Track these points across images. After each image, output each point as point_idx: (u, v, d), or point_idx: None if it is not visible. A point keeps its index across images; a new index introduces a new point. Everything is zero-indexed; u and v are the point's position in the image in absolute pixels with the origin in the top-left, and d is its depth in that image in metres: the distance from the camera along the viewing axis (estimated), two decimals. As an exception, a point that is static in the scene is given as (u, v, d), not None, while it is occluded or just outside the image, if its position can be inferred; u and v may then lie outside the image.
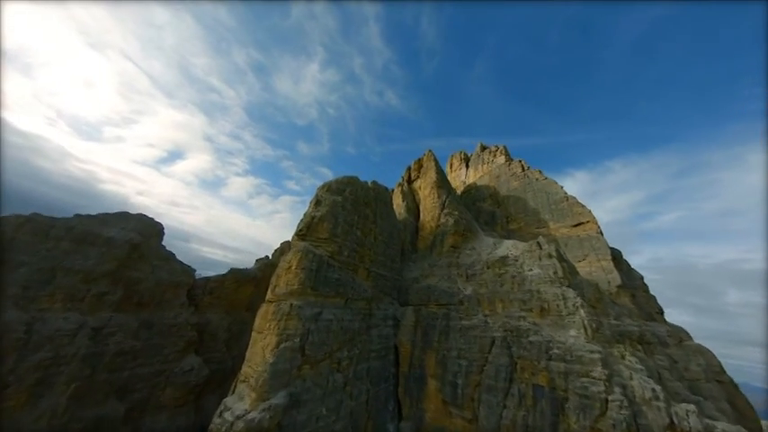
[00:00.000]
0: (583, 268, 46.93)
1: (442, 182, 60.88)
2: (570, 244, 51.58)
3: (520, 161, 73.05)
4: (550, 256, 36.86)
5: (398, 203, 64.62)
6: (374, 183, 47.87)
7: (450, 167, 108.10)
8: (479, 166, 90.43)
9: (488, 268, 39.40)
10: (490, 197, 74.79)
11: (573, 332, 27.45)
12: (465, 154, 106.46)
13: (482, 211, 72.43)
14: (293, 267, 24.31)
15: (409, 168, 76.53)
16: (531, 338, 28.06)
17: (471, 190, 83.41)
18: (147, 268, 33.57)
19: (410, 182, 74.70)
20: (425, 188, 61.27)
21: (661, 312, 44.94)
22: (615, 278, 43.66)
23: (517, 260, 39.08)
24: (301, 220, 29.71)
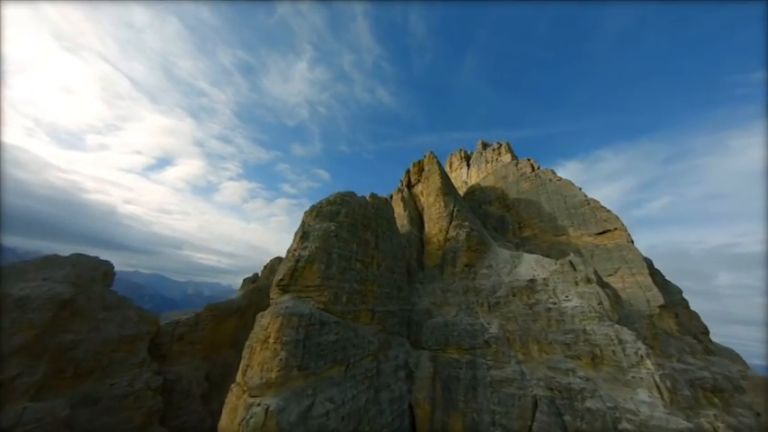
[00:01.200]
0: (615, 284, 41.02)
1: (448, 188, 54.20)
2: (597, 255, 45.67)
3: (528, 159, 66.78)
4: (589, 280, 30.68)
5: (399, 213, 57.77)
6: (373, 196, 40.86)
7: (450, 167, 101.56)
8: (482, 165, 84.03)
9: (514, 296, 33.04)
10: (498, 200, 68.54)
11: (643, 394, 21.25)
12: (465, 152, 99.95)
13: (489, 215, 66.21)
14: (271, 341, 17.41)
15: (408, 172, 69.53)
16: (587, 403, 21.78)
17: (475, 191, 77.05)
18: (86, 326, 26.05)
19: (410, 186, 67.81)
20: (429, 195, 54.49)
21: (706, 332, 39.51)
22: (656, 296, 37.90)
23: (547, 284, 32.80)
24: (283, 263, 22.71)
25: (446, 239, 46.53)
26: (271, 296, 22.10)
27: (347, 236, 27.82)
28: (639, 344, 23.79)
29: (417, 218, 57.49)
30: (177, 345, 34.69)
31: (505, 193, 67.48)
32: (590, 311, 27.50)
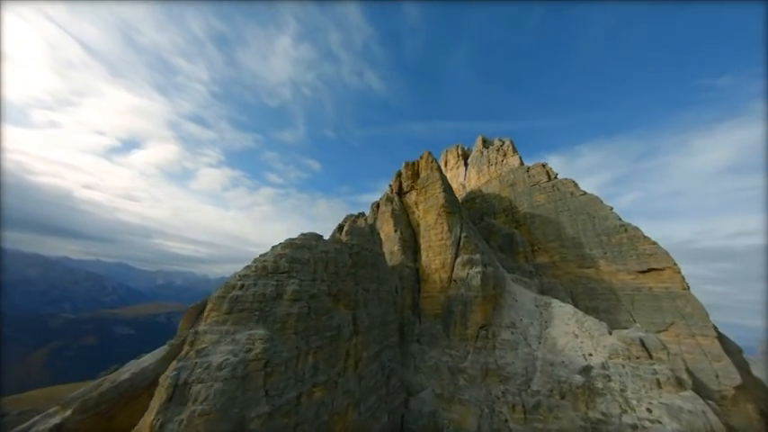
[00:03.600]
0: (668, 343, 31.43)
1: (453, 205, 42.04)
2: (639, 301, 35.89)
3: (543, 165, 55.60)
4: (681, 383, 20.21)
5: (388, 233, 45.21)
6: (354, 224, 28.01)
7: (446, 165, 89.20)
8: (484, 166, 72.32)
9: (562, 397, 22.05)
10: (505, 212, 57.59)
11: None
12: (463, 149, 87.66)
13: (495, 230, 55.27)
14: None
15: (399, 175, 56.42)
16: None
17: (476, 199, 65.74)
18: None
19: (401, 193, 55.01)
20: (428, 212, 42.17)
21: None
22: (729, 371, 28.47)
23: (609, 379, 22.13)
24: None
25: (451, 279, 34.88)
26: None
27: (313, 333, 15.10)
28: None
29: (411, 238, 45.29)
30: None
31: (514, 204, 56.47)
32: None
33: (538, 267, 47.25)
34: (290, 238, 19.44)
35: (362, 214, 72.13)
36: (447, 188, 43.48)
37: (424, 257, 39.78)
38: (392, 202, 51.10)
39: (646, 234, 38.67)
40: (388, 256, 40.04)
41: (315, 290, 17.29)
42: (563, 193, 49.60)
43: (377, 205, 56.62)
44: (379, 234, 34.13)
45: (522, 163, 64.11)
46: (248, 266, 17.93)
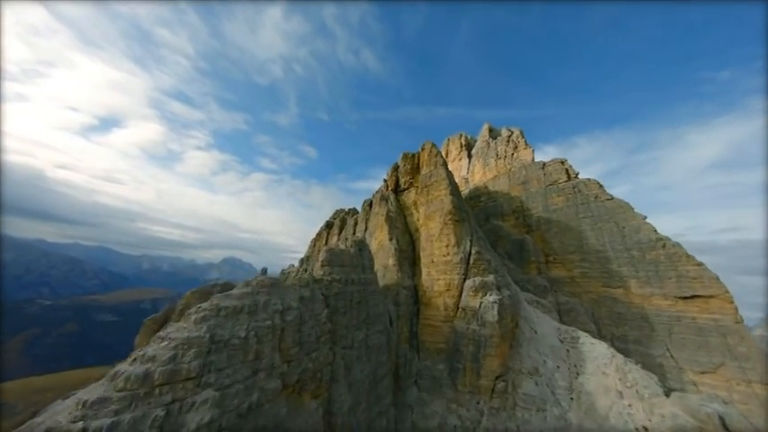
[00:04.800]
0: (715, 387, 26.04)
1: (462, 211, 34.82)
2: (679, 333, 30.17)
3: (562, 162, 48.47)
4: None
5: (381, 240, 38.05)
6: (332, 252, 21.12)
7: (447, 156, 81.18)
8: (491, 159, 64.73)
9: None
10: (514, 214, 50.85)
11: None
12: (466, 138, 79.46)
13: (502, 235, 48.78)
14: None
15: (396, 168, 48.62)
16: None
17: (481, 196, 58.70)
18: None
19: (398, 190, 47.48)
20: (431, 219, 34.96)
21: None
22: (798, 433, 23.14)
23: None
24: None
25: (458, 306, 28.26)
26: None
27: None
28: None
29: (409, 247, 38.27)
30: None
31: (526, 205, 49.69)
32: None
33: (553, 282, 41.20)
34: (221, 294, 12.04)
35: (354, 211, 64.60)
36: (454, 190, 36.15)
37: (424, 275, 32.92)
38: (387, 202, 43.60)
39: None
40: (380, 272, 33.09)
41: (254, 395, 10.26)
42: (585, 195, 42.85)
43: (369, 204, 49.08)
44: (369, 251, 26.90)
45: (534, 160, 56.79)
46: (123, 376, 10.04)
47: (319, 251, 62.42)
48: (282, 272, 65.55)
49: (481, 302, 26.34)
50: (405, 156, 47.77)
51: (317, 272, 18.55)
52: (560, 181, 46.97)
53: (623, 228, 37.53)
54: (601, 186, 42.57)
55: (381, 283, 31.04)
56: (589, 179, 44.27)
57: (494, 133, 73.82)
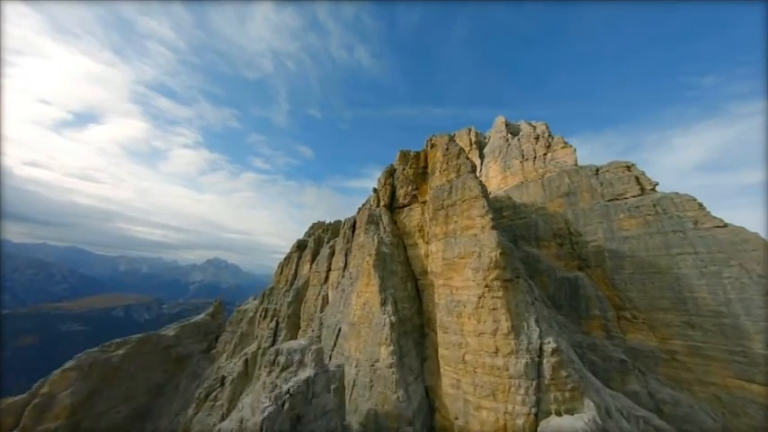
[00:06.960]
0: None
1: (514, 260, 19.13)
2: None
3: (628, 167, 33.86)
4: None
5: (366, 300, 22.32)
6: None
7: (452, 155, 66.09)
8: (515, 161, 49.62)
9: None
10: (557, 239, 36.06)
11: None
12: (477, 133, 64.22)
13: (540, 270, 33.69)
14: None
15: (392, 173, 32.89)
16: None
17: (503, 209, 43.56)
18: None
19: (394, 206, 31.83)
20: (457, 271, 19.43)
21: None
22: None
23: None
24: None
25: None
26: None
27: None
28: None
29: (416, 315, 22.83)
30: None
31: (572, 228, 34.88)
32: None
33: (629, 351, 26.49)
34: None
35: (336, 225, 48.92)
36: (496, 216, 20.67)
37: (446, 384, 17.33)
38: (378, 227, 27.90)
39: None
40: (362, 375, 17.51)
41: None
42: (677, 219, 28.21)
43: (352, 227, 33.17)
44: (341, 375, 11.33)
45: (575, 163, 41.86)
46: None
47: (287, 282, 45.98)
48: (237, 310, 48.73)
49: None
50: (404, 155, 32.24)
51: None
52: (629, 195, 32.28)
53: (762, 277, 22.98)
54: (701, 206, 27.99)
55: (362, 406, 15.42)
56: (678, 194, 29.71)
57: (510, 128, 59.02)
